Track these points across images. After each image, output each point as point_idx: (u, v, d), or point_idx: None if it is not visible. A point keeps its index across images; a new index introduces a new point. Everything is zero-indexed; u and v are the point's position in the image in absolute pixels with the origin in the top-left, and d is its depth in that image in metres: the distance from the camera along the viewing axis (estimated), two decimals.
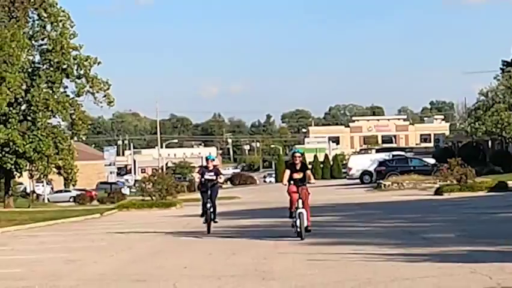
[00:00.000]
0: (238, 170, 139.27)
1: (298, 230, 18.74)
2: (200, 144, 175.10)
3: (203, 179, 23.84)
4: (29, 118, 53.14)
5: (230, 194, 58.31)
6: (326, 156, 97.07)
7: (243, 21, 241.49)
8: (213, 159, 25.00)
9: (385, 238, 18.74)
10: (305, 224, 18.72)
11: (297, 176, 19.22)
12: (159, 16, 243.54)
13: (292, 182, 19.17)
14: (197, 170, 27.26)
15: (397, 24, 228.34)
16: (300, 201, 18.70)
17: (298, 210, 18.62)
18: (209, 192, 23.53)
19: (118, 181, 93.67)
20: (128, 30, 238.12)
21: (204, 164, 25.85)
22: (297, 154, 19.96)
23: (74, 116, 55.56)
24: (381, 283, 10.97)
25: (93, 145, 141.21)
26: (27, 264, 16.20)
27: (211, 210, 23.25)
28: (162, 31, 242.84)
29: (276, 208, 34.46)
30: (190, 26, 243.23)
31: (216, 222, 23.52)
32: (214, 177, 23.70)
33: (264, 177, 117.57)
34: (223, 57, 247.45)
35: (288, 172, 19.43)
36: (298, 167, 19.39)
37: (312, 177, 20.09)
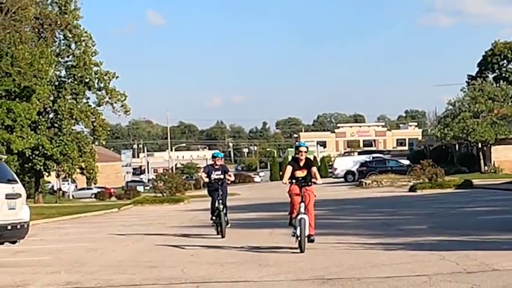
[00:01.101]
0: (239, 169, 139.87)
1: (299, 239, 13.84)
2: (205, 148, 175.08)
3: (211, 179, 18.86)
4: (56, 125, 53.26)
5: (231, 191, 58.13)
6: (315, 158, 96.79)
7: (243, 41, 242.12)
8: (221, 157, 19.98)
9: (366, 229, 18.76)
10: (307, 233, 13.85)
11: (301, 174, 14.53)
12: (170, 35, 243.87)
13: (294, 181, 14.46)
14: (202, 169, 21.62)
15: (377, 43, 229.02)
16: (302, 205, 13.84)
17: (300, 216, 13.71)
18: (219, 192, 18.54)
19: (139, 179, 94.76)
20: (142, 47, 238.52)
21: (210, 162, 20.90)
22: (302, 148, 15.01)
23: (95, 123, 55.70)
24: (362, 268, 10.94)
25: (112, 148, 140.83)
26: (54, 253, 16.19)
27: (224, 211, 18.36)
28: (172, 48, 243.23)
29: (272, 203, 34.46)
30: (197, 44, 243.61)
31: (228, 226, 18.57)
32: (222, 176, 18.82)
33: (256, 173, 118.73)
34: (225, 72, 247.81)
35: (290, 169, 14.60)
36: (302, 164, 14.62)
37: (317, 175, 14.72)
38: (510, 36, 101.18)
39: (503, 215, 21.29)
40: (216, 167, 18.86)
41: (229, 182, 19.26)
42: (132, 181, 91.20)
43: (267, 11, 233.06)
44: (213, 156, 19.68)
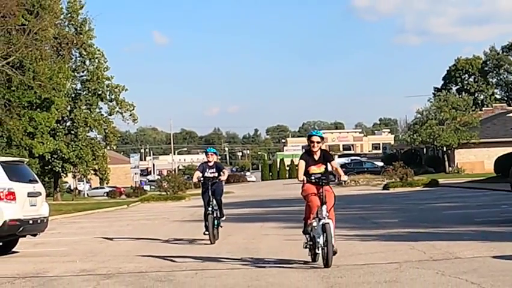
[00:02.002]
0: (234, 170, 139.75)
1: (320, 251, 9.97)
2: (204, 152, 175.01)
3: (201, 178, 15.27)
4: (72, 132, 53.19)
5: (226, 189, 58.11)
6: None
7: (237, 57, 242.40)
8: (214, 152, 16.03)
9: (344, 223, 18.74)
10: (333, 242, 9.83)
11: (316, 169, 10.46)
12: (172, 53, 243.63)
13: (310, 178, 10.39)
14: (197, 167, 17.59)
15: (356, 60, 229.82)
16: (323, 208, 9.95)
17: (322, 221, 9.83)
18: (210, 191, 15.02)
19: (146, 180, 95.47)
20: (148, 63, 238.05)
21: (204, 159, 16.40)
22: (315, 137, 10.54)
23: (107, 131, 55.73)
24: (342, 257, 10.94)
25: (121, 152, 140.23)
26: (71, 244, 16.16)
27: (215, 215, 14.88)
28: (175, 64, 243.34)
29: (262, 200, 34.47)
30: (197, 60, 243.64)
31: (219, 227, 15.22)
32: (216, 174, 15.33)
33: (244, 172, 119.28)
34: (222, 85, 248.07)
35: (303, 165, 10.51)
36: (317, 157, 10.53)
37: (340, 171, 10.94)
38: (471, 53, 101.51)
39: (464, 210, 21.39)
40: (210, 164, 15.27)
41: (221, 180, 15.33)
42: (151, 181, 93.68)
43: (259, 32, 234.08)
44: (206, 153, 16.05)
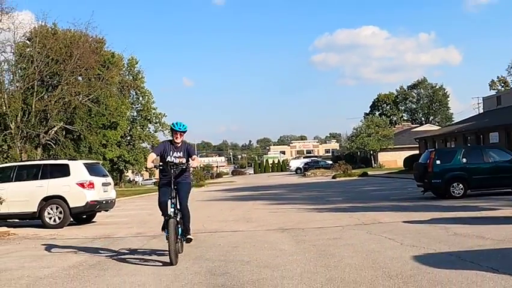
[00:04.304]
0: (236, 167, 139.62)
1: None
2: (216, 155, 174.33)
3: (160, 164, 7.09)
4: (131, 143, 53.01)
5: (231, 180, 58.02)
6: (278, 161, 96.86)
7: (238, 92, 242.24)
8: (184, 131, 7.19)
9: (306, 200, 18.81)
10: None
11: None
12: (196, 91, 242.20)
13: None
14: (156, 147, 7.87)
15: (314, 93, 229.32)
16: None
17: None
18: (173, 186, 6.90)
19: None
20: (180, 97, 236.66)
21: (169, 138, 7.78)
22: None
23: (153, 142, 55.53)
24: (305, 223, 10.94)
25: None
26: (130, 216, 16.08)
27: (179, 218, 7.03)
28: (198, 98, 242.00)
29: (255, 186, 34.41)
30: (212, 95, 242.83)
31: (189, 240, 7.32)
32: (184, 160, 7.08)
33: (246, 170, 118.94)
34: (227, 111, 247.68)
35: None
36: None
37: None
38: (387, 90, 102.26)
39: (384, 191, 21.44)
40: (177, 145, 7.22)
41: (192, 168, 7.47)
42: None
43: (252, 74, 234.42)
44: (173, 130, 7.27)
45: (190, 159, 7.18)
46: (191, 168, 7.32)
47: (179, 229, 7.07)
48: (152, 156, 7.31)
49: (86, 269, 6.92)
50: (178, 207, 7.08)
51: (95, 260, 7.72)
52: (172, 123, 7.30)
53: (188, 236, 7.27)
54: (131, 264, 7.20)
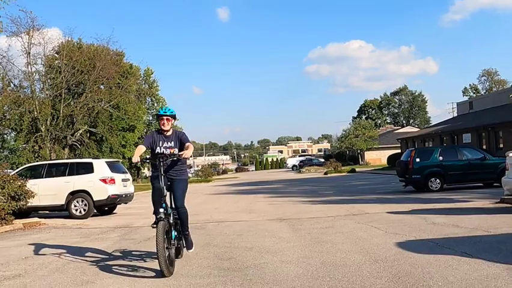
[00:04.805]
0: (240, 164, 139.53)
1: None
2: (223, 154, 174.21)
3: (145, 158, 5.24)
4: None
5: (235, 176, 57.96)
6: (277, 159, 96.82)
7: (240, 98, 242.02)
8: (172, 114, 5.33)
9: (302, 194, 18.80)
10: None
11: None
12: (204, 98, 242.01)
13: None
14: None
15: (308, 99, 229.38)
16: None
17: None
18: (162, 184, 5.05)
19: (190, 170, 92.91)
20: (190, 104, 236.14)
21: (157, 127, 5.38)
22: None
23: None
24: (301, 213, 10.93)
25: None
26: (146, 208, 15.97)
27: (172, 221, 5.17)
28: (206, 104, 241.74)
29: (256, 181, 34.37)
30: (218, 102, 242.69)
31: (189, 246, 5.62)
32: (176, 150, 5.20)
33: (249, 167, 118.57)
34: (231, 115, 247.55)
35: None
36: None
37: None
38: (373, 96, 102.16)
39: (370, 185, 21.41)
40: (166, 133, 5.39)
41: (185, 158, 5.17)
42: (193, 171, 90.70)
43: (254, 83, 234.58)
44: (158, 115, 5.39)
45: (185, 147, 5.28)
46: (186, 160, 5.45)
47: (174, 233, 5.16)
48: (141, 148, 5.34)
49: (110, 253, 6.92)
50: (173, 206, 5.45)
51: (117, 245, 7.72)
52: (159, 111, 5.53)
53: (190, 250, 5.61)
54: (147, 249, 7.21)
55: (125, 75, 39.65)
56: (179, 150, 5.41)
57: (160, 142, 5.47)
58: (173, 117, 5.60)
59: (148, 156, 5.53)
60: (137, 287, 4.98)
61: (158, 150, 5.42)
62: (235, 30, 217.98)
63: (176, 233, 5.33)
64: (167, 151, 5.40)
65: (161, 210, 5.13)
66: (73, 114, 31.76)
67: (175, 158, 5.33)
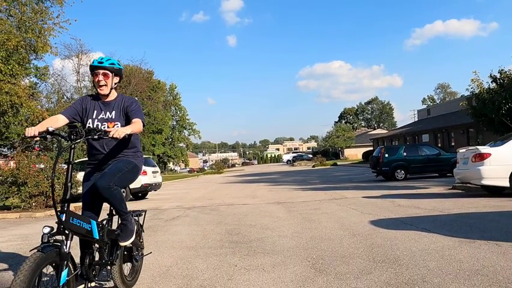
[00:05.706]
0: (245, 160, 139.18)
1: None
2: (232, 152, 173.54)
3: (85, 129, 1.72)
4: (171, 144, 52.93)
5: (241, 168, 57.84)
6: (275, 155, 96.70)
7: (246, 107, 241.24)
8: (112, 67, 2.01)
9: (294, 182, 18.74)
10: None
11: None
12: (218, 108, 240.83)
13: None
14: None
15: (298, 108, 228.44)
16: None
17: None
18: (68, 181, 1.73)
19: (206, 164, 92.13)
20: (206, 112, 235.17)
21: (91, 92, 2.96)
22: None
23: (187, 143, 55.58)
24: (294, 198, 10.89)
25: (194, 152, 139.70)
26: (171, 194, 16.05)
27: (105, 236, 2.14)
28: (218, 112, 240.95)
29: (258, 173, 34.27)
30: (228, 110, 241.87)
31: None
32: (119, 125, 1.95)
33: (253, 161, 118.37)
34: (239, 120, 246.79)
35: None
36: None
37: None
38: (350, 105, 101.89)
39: (348, 176, 21.30)
40: (105, 98, 2.13)
41: (115, 138, 1.65)
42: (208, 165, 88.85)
43: (255, 93, 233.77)
44: (93, 68, 2.04)
45: (133, 119, 2.64)
46: (138, 141, 2.84)
47: (63, 273, 2.19)
48: (53, 119, 2.66)
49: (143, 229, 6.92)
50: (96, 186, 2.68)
51: (148, 224, 7.73)
52: (93, 63, 2.75)
53: (123, 243, 2.94)
54: (173, 227, 7.21)
55: (155, 89, 39.75)
56: (124, 125, 2.62)
57: (95, 112, 2.70)
58: (116, 72, 2.73)
59: (52, 129, 2.37)
60: (160, 254, 4.98)
61: (89, 124, 2.67)
62: (241, 53, 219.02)
63: (72, 270, 2.28)
64: (105, 126, 2.65)
65: (91, 223, 2.56)
66: None
67: (96, 137, 2.37)
